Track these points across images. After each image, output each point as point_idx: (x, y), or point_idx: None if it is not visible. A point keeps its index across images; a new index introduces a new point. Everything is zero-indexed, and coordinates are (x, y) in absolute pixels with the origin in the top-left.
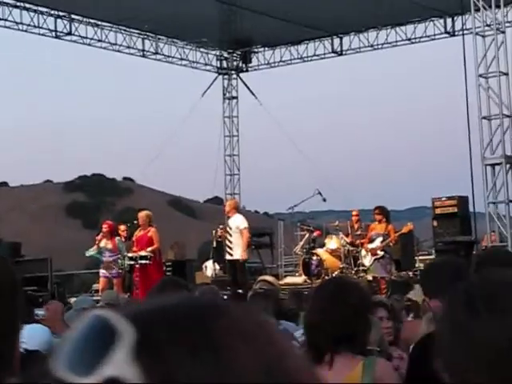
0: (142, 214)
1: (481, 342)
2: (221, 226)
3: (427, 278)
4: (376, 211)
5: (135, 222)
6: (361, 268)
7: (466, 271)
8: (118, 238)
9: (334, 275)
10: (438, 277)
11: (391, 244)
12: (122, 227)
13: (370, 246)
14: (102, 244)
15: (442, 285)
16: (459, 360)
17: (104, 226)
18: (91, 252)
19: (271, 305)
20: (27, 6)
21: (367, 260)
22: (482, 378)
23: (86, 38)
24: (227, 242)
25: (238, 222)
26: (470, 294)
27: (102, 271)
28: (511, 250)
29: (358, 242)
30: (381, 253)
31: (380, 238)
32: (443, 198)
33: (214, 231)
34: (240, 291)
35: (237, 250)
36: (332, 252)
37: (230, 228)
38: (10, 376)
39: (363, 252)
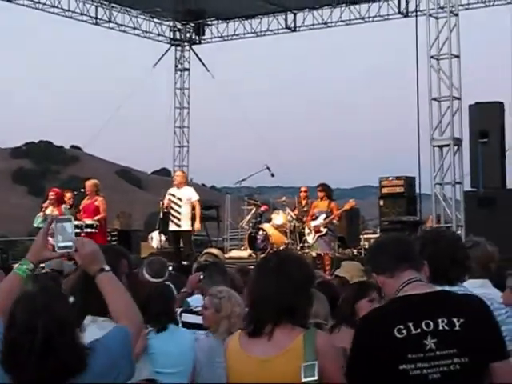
0: (89, 183)
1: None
2: (168, 196)
3: (376, 255)
4: (319, 188)
5: (82, 190)
6: (306, 244)
7: (414, 249)
8: (64, 205)
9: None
10: (387, 253)
11: (335, 221)
12: (69, 194)
13: (313, 223)
14: (48, 211)
15: (390, 261)
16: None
17: (51, 193)
18: (39, 220)
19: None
20: None
21: (310, 237)
22: None
23: (39, 2)
24: (174, 213)
25: (189, 193)
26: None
27: (48, 238)
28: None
29: (304, 219)
30: (324, 230)
31: (323, 216)
32: (390, 178)
33: (160, 201)
34: (185, 263)
35: (185, 221)
36: (278, 227)
37: (180, 199)
38: None
39: (306, 229)
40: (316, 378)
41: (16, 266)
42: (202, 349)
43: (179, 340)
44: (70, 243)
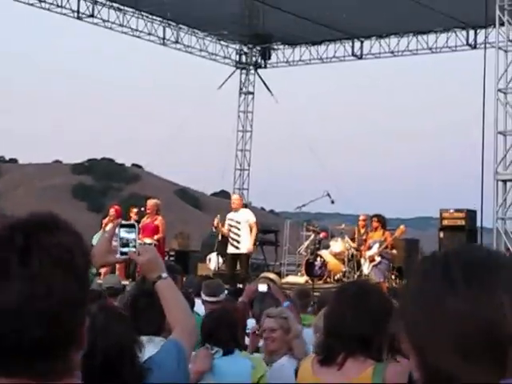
0: (150, 202)
1: (452, 316)
2: (218, 216)
3: None
4: (373, 219)
5: (142, 209)
6: (363, 274)
7: None
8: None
9: (335, 278)
10: None
11: (393, 251)
12: (134, 210)
13: (368, 253)
14: (108, 228)
15: None
16: (428, 334)
17: (111, 210)
18: (98, 237)
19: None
20: None
21: (366, 267)
22: (450, 357)
23: (108, 21)
24: (233, 236)
25: (247, 215)
26: (448, 262)
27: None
28: None
29: (361, 247)
30: (378, 259)
31: (377, 245)
32: (451, 210)
33: (215, 222)
34: (240, 286)
35: (244, 244)
36: (336, 255)
37: (238, 222)
38: (78, 350)
39: (362, 260)
40: None
41: None
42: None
43: (240, 364)
44: (133, 249)
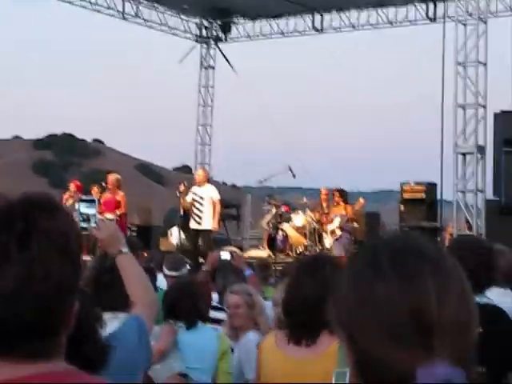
0: (111, 177)
1: (381, 303)
2: (185, 182)
3: None
4: (335, 193)
5: (103, 184)
6: (324, 246)
7: None
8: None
9: (297, 251)
10: None
11: (354, 224)
12: (96, 188)
13: (330, 226)
14: (69, 203)
15: None
16: (358, 320)
17: (71, 185)
18: None
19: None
20: None
21: (327, 241)
22: (380, 342)
23: None
24: (195, 211)
25: (211, 192)
26: (376, 251)
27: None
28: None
29: (323, 221)
30: (339, 232)
31: (338, 219)
32: (412, 183)
33: (181, 187)
34: (202, 261)
35: (206, 220)
36: (298, 229)
37: (202, 198)
38: (66, 332)
39: (324, 234)
40: None
41: None
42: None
43: (206, 336)
44: (93, 224)
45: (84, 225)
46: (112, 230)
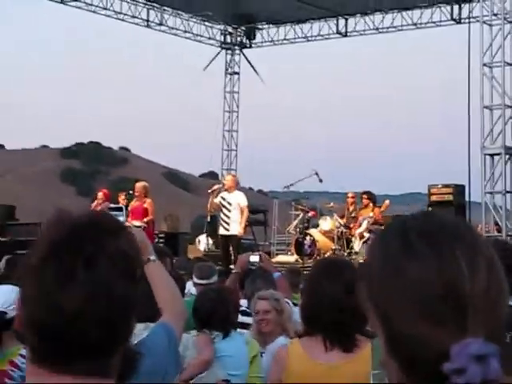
0: (139, 185)
1: (414, 283)
2: (214, 187)
3: None
4: (363, 196)
5: (131, 192)
6: (353, 250)
7: None
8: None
9: (326, 256)
10: None
11: (378, 226)
12: (122, 196)
13: (358, 230)
14: None
15: None
16: (389, 299)
17: (99, 193)
18: None
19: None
20: None
21: (356, 244)
22: (413, 320)
23: (91, 5)
24: (223, 217)
25: (239, 198)
26: (406, 229)
27: None
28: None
29: (351, 225)
30: (367, 235)
31: (366, 221)
32: (439, 186)
33: (215, 186)
34: (232, 267)
35: (234, 226)
36: (325, 233)
37: (230, 204)
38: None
39: (353, 238)
40: None
41: None
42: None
43: (238, 343)
44: None
45: None
46: (140, 238)
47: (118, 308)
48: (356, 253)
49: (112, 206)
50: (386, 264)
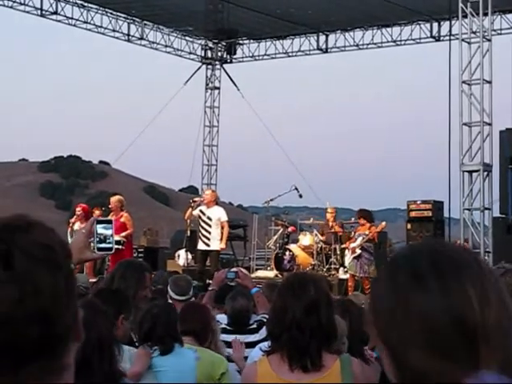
0: (113, 199)
1: (424, 316)
2: (195, 199)
3: None
4: (358, 215)
5: (106, 207)
6: (332, 266)
7: None
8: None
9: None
10: None
11: (371, 243)
12: (97, 212)
13: (352, 244)
14: (76, 227)
15: None
16: (395, 330)
17: (78, 209)
18: (68, 238)
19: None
20: None
21: (347, 258)
22: (416, 353)
23: (72, 18)
24: (204, 232)
25: (219, 214)
26: (416, 261)
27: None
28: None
29: (331, 240)
30: (358, 251)
31: (361, 238)
32: (418, 202)
33: (192, 200)
34: (210, 282)
35: (215, 242)
36: (305, 248)
37: (210, 219)
38: (75, 344)
39: (346, 251)
40: None
41: None
42: None
43: (181, 359)
44: (110, 245)
45: (101, 245)
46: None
47: (48, 301)
48: (345, 267)
49: (101, 218)
50: (393, 296)
